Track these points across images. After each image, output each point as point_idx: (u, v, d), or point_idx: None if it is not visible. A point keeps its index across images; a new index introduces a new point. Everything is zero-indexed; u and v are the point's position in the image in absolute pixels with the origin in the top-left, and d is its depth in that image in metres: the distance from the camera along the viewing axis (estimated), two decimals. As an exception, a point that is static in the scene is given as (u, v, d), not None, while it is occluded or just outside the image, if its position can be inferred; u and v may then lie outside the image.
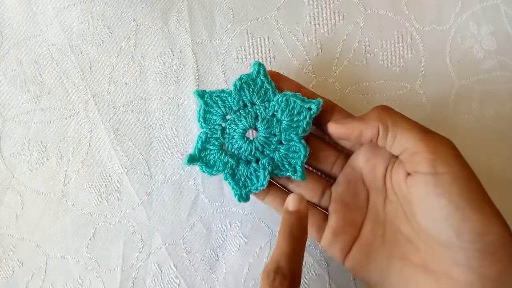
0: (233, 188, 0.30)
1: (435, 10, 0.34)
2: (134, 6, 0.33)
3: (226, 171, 0.30)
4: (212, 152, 0.30)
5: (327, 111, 0.30)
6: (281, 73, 0.33)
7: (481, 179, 0.25)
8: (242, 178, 0.30)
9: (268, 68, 0.32)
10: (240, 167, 0.30)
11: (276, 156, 0.30)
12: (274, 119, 0.30)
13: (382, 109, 0.27)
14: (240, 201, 0.30)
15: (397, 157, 0.27)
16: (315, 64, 0.34)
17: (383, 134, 0.26)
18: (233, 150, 0.30)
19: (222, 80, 0.33)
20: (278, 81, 0.30)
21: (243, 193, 0.30)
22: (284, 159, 0.30)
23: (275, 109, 0.30)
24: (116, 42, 0.33)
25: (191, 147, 0.33)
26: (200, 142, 0.30)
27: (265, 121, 0.30)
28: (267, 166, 0.29)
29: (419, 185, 0.25)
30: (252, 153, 0.30)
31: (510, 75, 0.35)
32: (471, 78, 0.35)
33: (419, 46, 0.34)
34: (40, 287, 0.32)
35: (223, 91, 0.30)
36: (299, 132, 0.29)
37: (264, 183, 0.29)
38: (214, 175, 0.30)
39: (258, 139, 0.30)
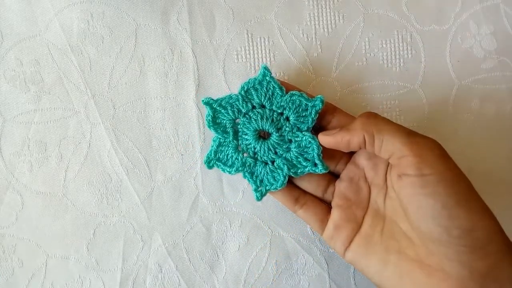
0: (253, 186, 0.30)
1: (435, 10, 0.34)
2: (134, 6, 0.33)
3: (245, 170, 0.30)
4: (228, 152, 0.31)
5: (329, 112, 0.31)
6: (281, 73, 0.34)
7: (481, 179, 0.25)
8: (260, 177, 0.30)
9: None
10: (258, 167, 0.30)
11: (290, 155, 0.30)
12: (281, 119, 0.30)
13: (366, 117, 0.28)
14: (258, 200, 0.30)
15: None
16: (315, 64, 0.34)
17: (370, 142, 0.27)
18: (248, 151, 0.31)
19: (222, 80, 0.33)
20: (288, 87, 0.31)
21: (263, 191, 0.30)
22: (299, 156, 0.30)
23: (283, 109, 0.30)
24: (116, 42, 0.33)
25: (191, 147, 0.33)
26: (215, 145, 0.31)
27: (274, 121, 0.30)
28: (282, 166, 0.30)
29: (407, 186, 0.26)
30: (267, 153, 0.30)
31: (510, 75, 0.35)
32: (471, 78, 0.35)
33: (419, 46, 0.34)
34: (40, 287, 0.32)
35: (230, 96, 0.30)
36: (306, 127, 0.30)
37: (285, 182, 0.30)
38: (234, 173, 0.30)
39: (270, 139, 0.30)
